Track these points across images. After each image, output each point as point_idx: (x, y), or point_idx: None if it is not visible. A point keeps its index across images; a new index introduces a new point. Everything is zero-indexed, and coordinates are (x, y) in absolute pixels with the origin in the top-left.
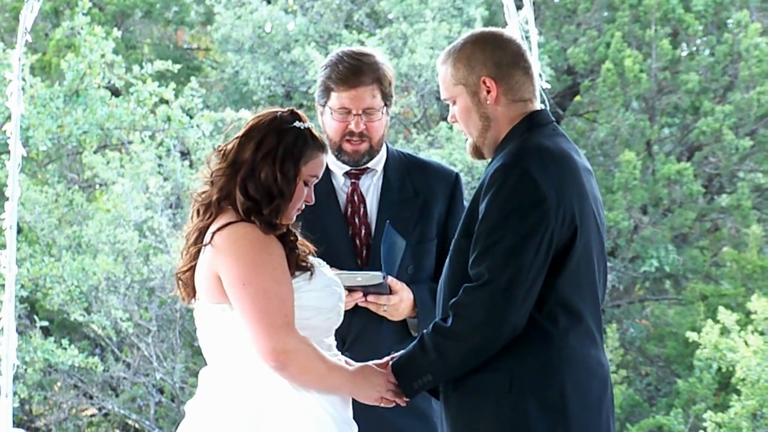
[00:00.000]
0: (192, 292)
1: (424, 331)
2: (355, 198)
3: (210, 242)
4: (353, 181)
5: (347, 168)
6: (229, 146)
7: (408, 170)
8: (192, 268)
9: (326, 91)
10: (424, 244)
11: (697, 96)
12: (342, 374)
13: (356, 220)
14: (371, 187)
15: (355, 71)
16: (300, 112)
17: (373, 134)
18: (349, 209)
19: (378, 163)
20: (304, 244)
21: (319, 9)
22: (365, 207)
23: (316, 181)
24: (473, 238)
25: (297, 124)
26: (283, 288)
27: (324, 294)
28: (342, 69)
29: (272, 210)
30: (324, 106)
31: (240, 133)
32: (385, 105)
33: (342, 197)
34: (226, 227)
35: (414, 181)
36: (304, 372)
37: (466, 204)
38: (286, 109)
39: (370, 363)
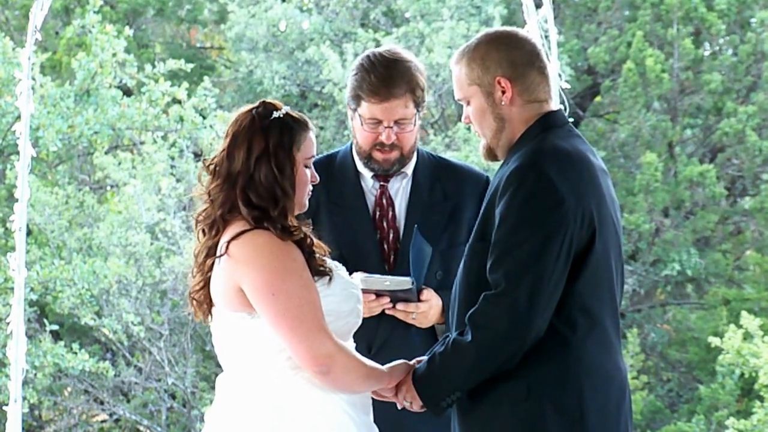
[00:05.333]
0: (207, 310)
1: (440, 349)
2: (384, 201)
3: (226, 252)
4: (382, 183)
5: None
6: (217, 159)
7: (438, 174)
8: (206, 286)
9: (357, 99)
10: (454, 249)
11: (720, 96)
12: (379, 374)
13: (384, 223)
14: (400, 191)
15: (387, 83)
16: (273, 101)
17: (404, 144)
18: (378, 212)
19: (408, 166)
20: (319, 247)
21: (334, 7)
22: (394, 210)
23: (314, 159)
24: (491, 243)
25: (275, 114)
26: (312, 293)
27: (342, 297)
28: (374, 80)
29: (280, 211)
30: (354, 111)
31: (225, 145)
32: (417, 112)
33: (370, 200)
34: (241, 236)
35: (444, 185)
36: (346, 374)
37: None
38: (257, 104)
39: (402, 362)
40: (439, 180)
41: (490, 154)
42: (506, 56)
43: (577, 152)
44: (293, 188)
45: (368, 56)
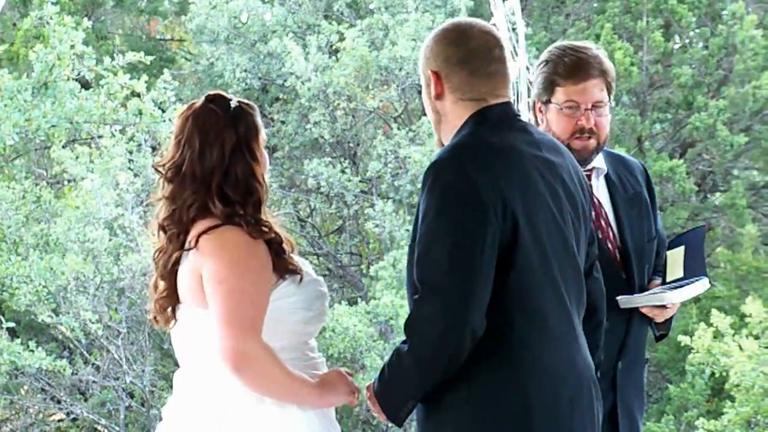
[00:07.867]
0: (172, 315)
1: (386, 361)
2: (595, 201)
3: (195, 246)
4: (589, 183)
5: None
6: (183, 162)
7: (615, 166)
8: (174, 292)
9: (550, 86)
10: (651, 243)
11: (690, 90)
12: (305, 385)
13: (602, 222)
14: (600, 188)
15: (582, 65)
16: (219, 92)
17: (601, 131)
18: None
19: (601, 160)
20: (288, 241)
21: None
22: (604, 208)
23: None
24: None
25: (232, 104)
26: (259, 294)
27: (312, 297)
28: (568, 62)
29: (254, 204)
30: (546, 103)
31: (196, 147)
32: (609, 99)
33: None
34: (213, 231)
35: (625, 178)
36: (260, 377)
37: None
38: (206, 99)
39: (339, 369)
40: (617, 172)
41: (442, 146)
42: (443, 51)
43: (504, 145)
44: (263, 177)
45: (557, 47)
